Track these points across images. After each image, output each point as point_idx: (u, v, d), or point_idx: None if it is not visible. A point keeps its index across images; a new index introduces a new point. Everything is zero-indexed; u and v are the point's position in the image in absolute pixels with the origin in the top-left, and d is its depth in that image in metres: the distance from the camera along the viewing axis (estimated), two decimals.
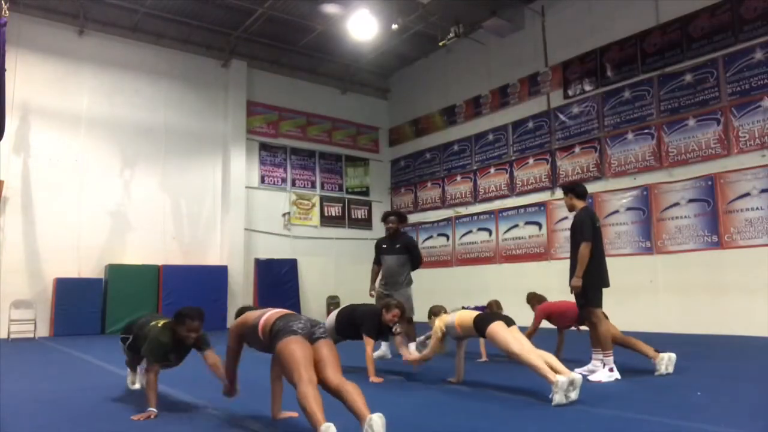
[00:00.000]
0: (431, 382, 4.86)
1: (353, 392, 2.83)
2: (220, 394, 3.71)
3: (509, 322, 4.36)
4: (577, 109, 11.18)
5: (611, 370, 4.75)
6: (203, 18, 12.60)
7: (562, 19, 11.55)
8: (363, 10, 11.46)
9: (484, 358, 6.16)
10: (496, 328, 4.26)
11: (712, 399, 3.98)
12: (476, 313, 4.69)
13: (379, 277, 6.90)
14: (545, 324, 6.10)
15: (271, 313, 3.32)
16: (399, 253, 6.73)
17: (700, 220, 9.12)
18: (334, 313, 5.88)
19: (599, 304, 4.99)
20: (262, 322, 3.27)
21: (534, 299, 6.39)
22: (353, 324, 5.34)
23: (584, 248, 4.87)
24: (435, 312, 5.28)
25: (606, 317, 5.10)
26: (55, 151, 11.16)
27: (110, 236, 11.60)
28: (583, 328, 5.80)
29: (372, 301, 6.75)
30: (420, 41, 13.58)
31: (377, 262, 6.96)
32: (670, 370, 4.91)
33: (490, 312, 4.93)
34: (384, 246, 6.85)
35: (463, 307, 6.00)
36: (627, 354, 5.14)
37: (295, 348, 3.00)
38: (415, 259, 6.86)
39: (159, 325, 3.89)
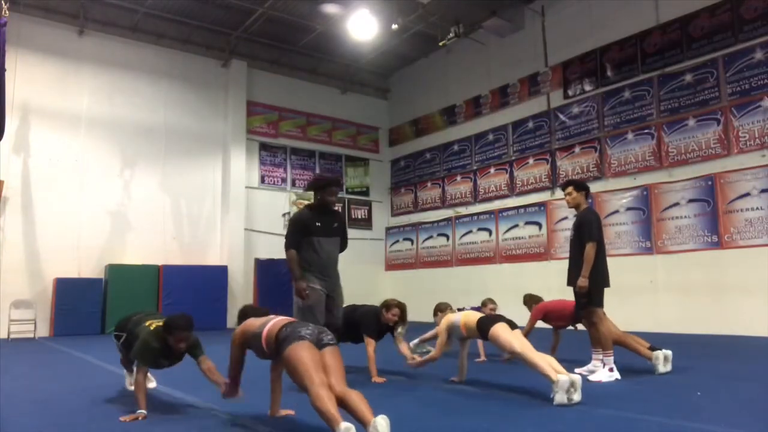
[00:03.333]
0: (433, 381, 4.85)
1: (357, 399, 2.83)
2: (219, 394, 3.70)
3: (512, 325, 4.38)
4: (577, 109, 11.18)
5: (611, 370, 4.75)
6: (203, 18, 12.60)
7: (562, 19, 11.55)
8: (363, 10, 11.46)
9: (482, 358, 6.17)
10: (499, 330, 4.29)
11: (712, 399, 3.97)
12: (480, 314, 4.70)
13: (308, 266, 4.90)
14: (541, 324, 6.11)
15: (275, 321, 3.30)
16: (336, 235, 4.99)
17: (700, 220, 9.12)
18: None
19: (601, 304, 4.99)
20: (265, 331, 3.25)
21: (531, 300, 6.41)
22: (353, 324, 5.31)
23: (590, 248, 4.88)
24: (441, 309, 5.29)
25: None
26: (55, 151, 11.16)
27: (110, 236, 11.60)
28: (580, 326, 5.81)
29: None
30: (420, 41, 13.58)
31: (298, 246, 4.86)
32: (669, 367, 4.92)
33: (494, 315, 4.91)
34: (318, 224, 4.84)
35: (458, 309, 5.98)
36: (627, 354, 5.14)
37: (304, 353, 3.00)
38: (344, 243, 5.14)
39: (151, 328, 3.83)
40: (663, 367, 4.90)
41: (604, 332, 4.88)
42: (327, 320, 4.71)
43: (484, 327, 4.39)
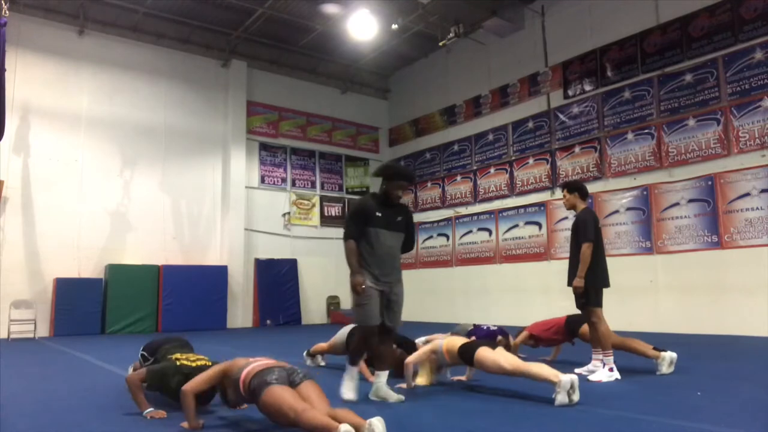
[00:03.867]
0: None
1: (347, 413, 2.84)
2: (218, 395, 3.69)
3: (493, 345, 4.33)
4: (577, 109, 11.18)
5: (611, 369, 4.75)
6: (203, 18, 12.60)
7: (562, 19, 11.55)
8: (363, 10, 11.47)
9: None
10: (483, 353, 4.19)
11: (712, 399, 3.97)
12: (462, 340, 4.56)
13: (366, 263, 4.19)
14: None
15: (252, 366, 3.23)
16: (399, 230, 4.37)
17: (700, 220, 9.12)
18: (346, 329, 5.61)
19: (599, 304, 4.99)
20: (243, 375, 3.20)
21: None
22: None
23: (586, 248, 4.88)
24: (455, 332, 5.17)
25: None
26: (55, 151, 11.17)
27: (110, 236, 11.61)
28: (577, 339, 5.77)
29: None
30: (420, 41, 13.58)
31: (357, 236, 4.22)
32: (671, 370, 4.92)
33: (473, 341, 4.71)
34: (379, 215, 4.24)
35: (474, 325, 5.87)
36: (627, 354, 5.14)
37: (279, 392, 2.97)
38: (409, 242, 4.53)
39: (177, 363, 3.79)
40: (666, 369, 4.90)
41: (603, 332, 4.88)
42: (383, 322, 4.15)
43: (467, 355, 4.31)
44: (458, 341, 4.51)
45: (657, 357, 4.95)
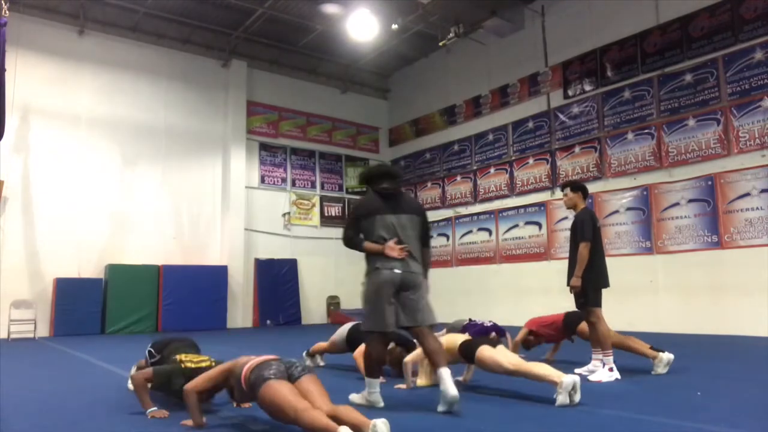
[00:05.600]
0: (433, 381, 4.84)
1: (349, 411, 2.82)
2: (218, 394, 3.70)
3: (494, 344, 4.31)
4: (577, 109, 11.18)
5: (611, 369, 4.75)
6: (203, 18, 12.61)
7: (562, 19, 11.55)
8: (363, 10, 11.47)
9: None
10: (484, 352, 4.17)
11: (712, 399, 3.97)
12: (462, 338, 4.55)
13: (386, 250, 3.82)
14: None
15: (251, 363, 3.23)
16: (414, 213, 4.05)
17: (700, 220, 9.12)
18: (346, 327, 5.63)
19: (598, 304, 4.99)
20: (244, 371, 3.19)
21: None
22: (359, 341, 5.07)
23: (584, 248, 4.87)
24: (450, 328, 5.17)
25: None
26: (56, 151, 11.17)
27: (110, 236, 11.61)
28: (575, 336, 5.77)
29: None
30: (420, 41, 13.59)
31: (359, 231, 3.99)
32: (666, 370, 4.92)
33: (474, 338, 4.71)
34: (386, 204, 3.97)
35: (470, 320, 5.88)
36: (627, 354, 5.13)
37: (277, 387, 2.95)
38: (426, 233, 4.12)
39: (182, 366, 3.81)
40: (662, 370, 4.91)
41: (603, 332, 4.88)
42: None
43: (468, 353, 4.29)
44: (458, 339, 4.50)
45: (654, 357, 4.96)
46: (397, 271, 3.80)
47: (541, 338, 5.89)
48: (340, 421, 2.74)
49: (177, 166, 12.65)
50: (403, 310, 3.82)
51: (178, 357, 3.94)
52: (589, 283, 4.88)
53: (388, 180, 4.07)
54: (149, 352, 4.39)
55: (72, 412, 3.89)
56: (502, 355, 4.14)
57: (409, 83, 15.47)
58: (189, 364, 3.82)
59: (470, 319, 5.90)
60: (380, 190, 4.02)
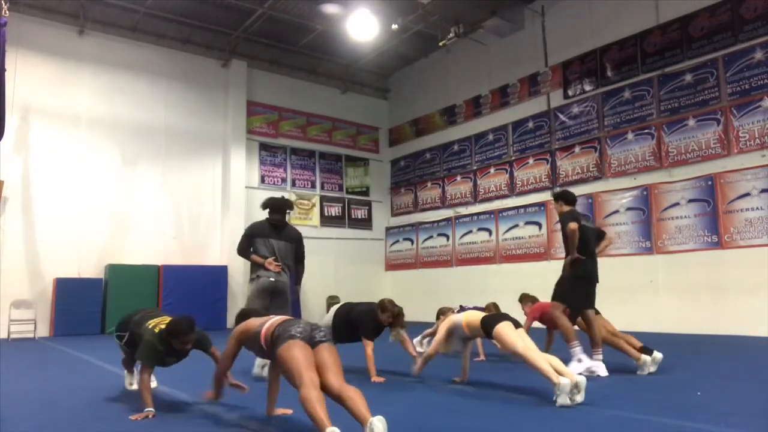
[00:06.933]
0: (433, 381, 4.85)
1: (355, 396, 2.79)
2: (210, 395, 3.70)
3: (516, 324, 4.37)
4: (577, 109, 11.18)
5: (579, 361, 4.83)
6: (203, 18, 12.60)
7: (562, 19, 11.55)
8: (363, 10, 11.46)
9: (481, 357, 6.16)
10: (504, 328, 4.26)
11: (712, 399, 3.98)
12: (483, 313, 4.69)
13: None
14: (536, 324, 6.09)
15: (272, 321, 3.30)
16: (291, 241, 5.79)
17: (700, 220, 9.12)
18: (332, 311, 5.77)
19: (576, 305, 5.08)
20: (264, 330, 3.24)
21: (526, 299, 6.41)
22: (349, 324, 5.29)
23: (571, 226, 5.03)
24: (443, 312, 5.29)
25: (599, 313, 5.28)
26: (56, 151, 11.16)
27: (110, 236, 11.60)
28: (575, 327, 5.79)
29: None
30: (420, 41, 13.58)
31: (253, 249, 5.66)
32: (653, 369, 4.92)
33: (498, 313, 4.91)
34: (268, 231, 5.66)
35: (461, 306, 5.99)
36: (626, 354, 5.14)
37: (296, 352, 2.99)
38: (300, 254, 5.90)
39: (155, 330, 3.83)
40: (648, 370, 4.91)
41: (563, 325, 5.04)
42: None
43: (488, 325, 4.37)
44: (479, 314, 4.64)
45: (638, 359, 4.96)
46: (271, 279, 5.42)
47: (541, 323, 6.01)
48: (345, 404, 2.77)
49: (177, 166, 12.64)
50: (272, 306, 5.21)
51: (147, 325, 3.95)
52: (573, 283, 4.99)
53: (279, 213, 5.71)
54: (117, 336, 4.40)
55: (72, 412, 3.89)
56: (518, 337, 4.21)
57: (409, 83, 15.46)
58: (162, 326, 3.86)
59: (461, 306, 6.05)
60: (272, 220, 5.61)
